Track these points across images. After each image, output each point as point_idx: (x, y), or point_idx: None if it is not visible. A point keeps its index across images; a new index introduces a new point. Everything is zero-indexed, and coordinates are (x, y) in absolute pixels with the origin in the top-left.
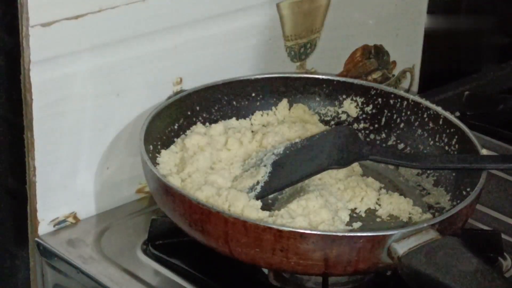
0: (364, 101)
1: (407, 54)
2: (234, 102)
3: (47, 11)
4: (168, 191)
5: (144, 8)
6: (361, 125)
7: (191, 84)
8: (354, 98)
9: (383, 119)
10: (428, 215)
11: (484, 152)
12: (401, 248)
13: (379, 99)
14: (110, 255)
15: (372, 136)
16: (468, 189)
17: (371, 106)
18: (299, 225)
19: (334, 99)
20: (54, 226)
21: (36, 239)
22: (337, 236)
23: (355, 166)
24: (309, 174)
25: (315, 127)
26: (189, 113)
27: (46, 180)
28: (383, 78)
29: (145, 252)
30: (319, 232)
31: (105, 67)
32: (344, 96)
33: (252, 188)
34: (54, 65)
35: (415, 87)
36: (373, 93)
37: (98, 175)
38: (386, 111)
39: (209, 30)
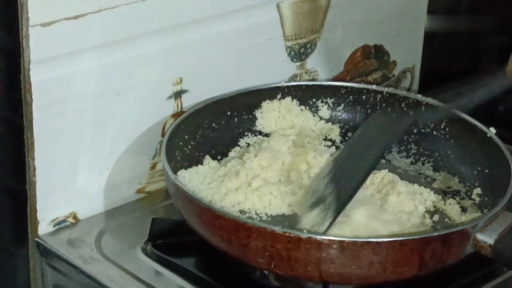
0: (335, 101)
1: (407, 54)
2: (214, 124)
3: (47, 11)
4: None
5: (144, 8)
6: (336, 125)
7: (191, 84)
8: (324, 100)
9: (357, 116)
10: (452, 201)
11: (492, 130)
12: (489, 237)
13: (350, 97)
14: (110, 255)
15: (350, 134)
16: (479, 168)
17: (342, 105)
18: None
19: (304, 104)
20: (54, 226)
21: (36, 239)
22: (432, 237)
23: None
24: (375, 160)
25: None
26: (189, 147)
27: (46, 180)
28: (383, 78)
29: (145, 252)
30: (416, 237)
31: (105, 67)
32: (314, 100)
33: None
34: (54, 65)
35: (415, 87)
36: (343, 91)
37: (98, 175)
38: (359, 107)
39: (209, 30)
